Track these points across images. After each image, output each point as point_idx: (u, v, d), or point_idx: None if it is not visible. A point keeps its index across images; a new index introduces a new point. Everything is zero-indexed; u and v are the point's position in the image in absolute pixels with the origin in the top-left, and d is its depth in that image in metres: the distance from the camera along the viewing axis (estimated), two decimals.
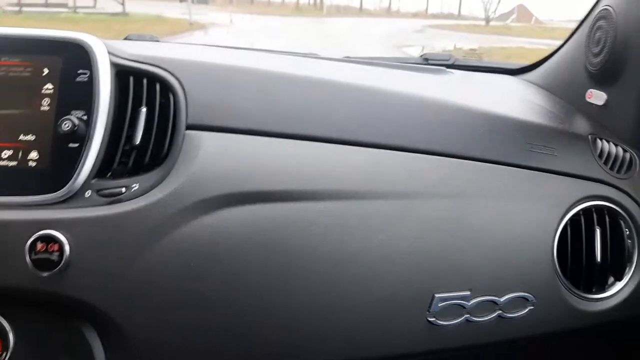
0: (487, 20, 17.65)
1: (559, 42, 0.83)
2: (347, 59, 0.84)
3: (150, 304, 0.50)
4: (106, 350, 0.52)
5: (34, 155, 0.50)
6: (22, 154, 0.50)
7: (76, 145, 0.50)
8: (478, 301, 0.56)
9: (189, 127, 0.54)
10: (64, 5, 10.60)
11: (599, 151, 0.64)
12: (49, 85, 0.51)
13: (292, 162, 0.54)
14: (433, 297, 0.54)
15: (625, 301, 0.61)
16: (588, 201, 0.61)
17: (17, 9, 9.43)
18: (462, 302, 0.55)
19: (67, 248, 0.47)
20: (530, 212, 0.59)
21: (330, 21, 16.73)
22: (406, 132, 0.59)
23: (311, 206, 0.53)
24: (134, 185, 0.51)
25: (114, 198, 0.50)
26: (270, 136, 0.55)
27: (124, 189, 0.50)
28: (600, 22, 0.70)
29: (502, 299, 0.56)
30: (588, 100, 0.71)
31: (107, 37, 0.59)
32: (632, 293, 0.61)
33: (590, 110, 0.71)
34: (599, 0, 0.73)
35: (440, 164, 0.58)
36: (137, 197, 0.50)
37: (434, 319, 0.55)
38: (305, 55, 0.83)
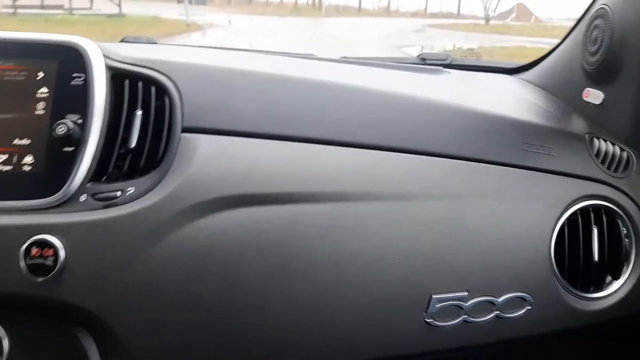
0: (487, 19, 17.66)
1: (559, 41, 0.84)
2: (344, 60, 0.84)
3: (146, 308, 0.50)
4: (102, 355, 0.51)
5: (28, 159, 0.50)
6: (16, 158, 0.50)
7: (71, 149, 0.50)
8: (475, 302, 0.56)
9: (185, 129, 0.54)
10: (60, 7, 10.57)
11: (596, 150, 0.65)
12: (44, 89, 0.51)
13: (289, 164, 0.54)
14: (430, 298, 0.55)
15: (623, 300, 0.61)
16: (585, 200, 0.61)
17: (11, 10, 9.42)
18: (459, 302, 0.56)
19: (62, 253, 0.47)
20: (527, 212, 0.59)
21: (328, 21, 16.74)
22: (403, 133, 0.59)
23: (308, 208, 0.53)
24: (129, 189, 0.51)
25: (110, 202, 0.50)
26: (266, 138, 0.55)
27: (119, 193, 0.50)
28: (597, 21, 0.70)
29: (499, 299, 0.57)
30: (585, 99, 0.72)
31: (101, 40, 0.59)
32: (630, 292, 0.61)
33: (587, 110, 0.71)
34: (596, 0, 0.73)
35: (437, 164, 0.58)
36: (132, 201, 0.50)
37: (431, 319, 0.55)
38: (302, 56, 0.83)
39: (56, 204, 0.49)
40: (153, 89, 0.55)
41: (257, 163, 0.53)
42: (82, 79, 0.52)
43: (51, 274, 0.47)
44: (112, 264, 0.49)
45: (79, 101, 0.51)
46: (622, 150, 0.66)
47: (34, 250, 0.47)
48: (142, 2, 12.40)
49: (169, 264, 0.49)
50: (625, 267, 0.62)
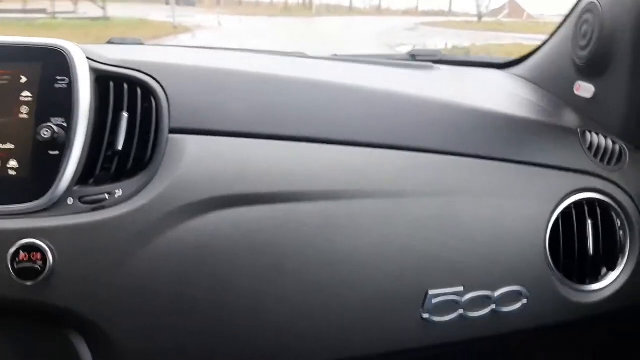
0: (480, 16, 17.74)
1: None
2: (335, 57, 0.84)
3: (137, 310, 0.50)
4: (95, 358, 0.51)
5: (13, 163, 0.50)
6: (1, 162, 0.50)
7: (56, 152, 0.50)
8: (472, 297, 0.57)
9: (172, 130, 0.54)
10: (43, 11, 10.47)
11: (588, 144, 0.65)
12: (27, 93, 0.51)
13: (279, 164, 0.54)
14: (426, 293, 0.55)
15: (619, 292, 0.62)
16: (579, 194, 0.62)
17: None
18: (455, 298, 0.56)
19: (50, 256, 0.48)
20: (521, 206, 0.59)
21: (320, 21, 16.74)
22: (395, 130, 0.59)
23: (300, 207, 0.53)
24: (117, 192, 0.51)
25: (97, 205, 0.50)
26: (255, 138, 0.55)
27: (107, 196, 0.51)
28: (587, 16, 0.71)
29: (495, 294, 0.57)
30: (576, 93, 0.72)
31: (84, 44, 0.59)
32: (625, 284, 0.62)
33: (578, 103, 0.72)
34: None
35: (429, 161, 0.58)
36: (120, 203, 0.50)
37: (428, 315, 0.56)
38: (291, 54, 0.83)
39: (43, 207, 0.49)
40: (139, 91, 0.55)
41: (247, 163, 0.53)
42: (65, 82, 0.52)
43: (40, 278, 0.47)
44: (102, 266, 0.49)
45: (64, 104, 0.51)
46: (614, 143, 0.67)
47: (22, 255, 0.47)
48: (129, 5, 12.31)
49: (159, 266, 0.49)
50: (620, 259, 0.63)
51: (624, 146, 0.67)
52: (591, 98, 0.70)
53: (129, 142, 0.53)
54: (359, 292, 0.54)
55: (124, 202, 0.50)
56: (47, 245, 0.48)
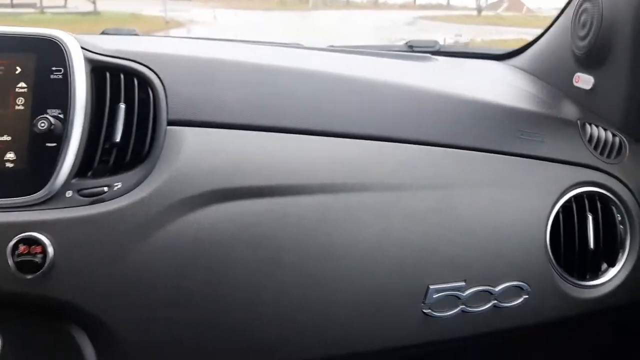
0: (479, 10, 17.47)
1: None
2: (332, 48, 0.83)
3: (137, 303, 0.50)
4: (97, 350, 0.51)
5: (10, 156, 0.50)
6: None
7: (54, 144, 0.50)
8: (473, 291, 0.56)
9: (171, 122, 0.53)
10: (32, 6, 10.17)
11: (588, 136, 0.65)
12: (22, 84, 0.51)
13: (278, 156, 0.54)
14: (427, 288, 0.55)
15: (619, 287, 0.61)
16: (579, 187, 0.61)
17: None
18: (457, 292, 0.56)
19: (50, 250, 0.47)
20: (521, 200, 0.59)
21: (316, 14, 16.45)
22: (393, 122, 0.59)
23: (298, 200, 0.53)
24: (116, 184, 0.51)
25: (96, 198, 0.50)
26: (254, 130, 0.55)
27: (106, 188, 0.50)
28: (586, 5, 0.70)
29: (496, 289, 0.57)
30: (575, 84, 0.71)
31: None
32: (626, 279, 0.61)
33: (578, 95, 0.71)
34: None
35: (428, 153, 0.58)
36: (120, 196, 0.50)
37: (429, 310, 0.55)
38: (288, 45, 0.82)
39: (41, 200, 0.49)
40: (135, 82, 0.54)
41: (246, 155, 0.53)
42: (61, 72, 0.51)
43: (40, 271, 0.47)
44: (102, 259, 0.48)
45: (60, 95, 0.50)
46: (614, 135, 0.66)
47: (22, 248, 0.47)
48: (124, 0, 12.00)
49: (158, 259, 0.49)
50: (620, 254, 0.62)
51: (624, 139, 0.66)
52: (590, 90, 0.68)
53: (127, 134, 0.52)
54: (358, 286, 0.53)
55: (123, 195, 0.50)
56: (46, 238, 0.47)
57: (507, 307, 0.58)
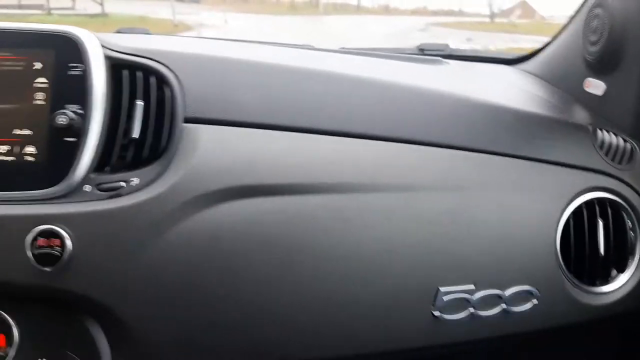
0: (492, 16, 17.17)
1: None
2: (343, 50, 0.83)
3: (152, 298, 0.50)
4: (111, 344, 0.52)
5: (31, 149, 0.50)
6: (19, 148, 0.50)
7: (73, 139, 0.50)
8: (483, 295, 0.56)
9: (187, 120, 0.54)
10: (40, 7, 10.08)
11: (599, 142, 0.65)
12: (43, 79, 0.51)
13: (292, 155, 0.54)
14: (437, 290, 0.55)
15: (629, 294, 0.61)
16: (590, 193, 0.61)
17: None
18: (466, 295, 0.55)
19: (69, 242, 0.48)
20: (532, 204, 0.59)
21: (327, 20, 16.24)
22: (406, 124, 0.59)
23: (312, 199, 0.53)
24: (133, 180, 0.51)
25: (114, 192, 0.50)
26: (268, 128, 0.55)
27: (123, 184, 0.51)
28: (597, 10, 0.70)
29: (506, 293, 0.56)
30: (586, 89, 0.71)
31: None
32: (636, 286, 0.61)
33: (589, 100, 0.71)
34: None
35: (441, 155, 0.58)
36: (137, 192, 0.50)
37: (439, 313, 0.55)
38: (301, 46, 0.82)
39: (61, 194, 0.50)
40: (153, 79, 0.55)
41: (260, 154, 0.53)
42: (80, 69, 0.52)
43: (59, 264, 0.47)
44: (119, 253, 0.49)
45: (78, 91, 0.51)
46: (625, 141, 0.66)
47: (41, 240, 0.47)
48: (134, 1, 11.85)
49: (173, 255, 0.50)
50: (630, 261, 0.62)
51: (635, 145, 0.66)
52: (602, 95, 0.68)
53: (144, 131, 0.53)
54: (369, 287, 0.53)
55: (141, 190, 0.50)
56: (65, 231, 0.48)
57: (516, 311, 0.58)
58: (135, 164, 0.52)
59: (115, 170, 0.52)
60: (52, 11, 9.81)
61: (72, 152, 0.50)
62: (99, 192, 0.50)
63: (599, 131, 0.66)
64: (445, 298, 0.54)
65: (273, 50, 0.75)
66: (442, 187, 0.56)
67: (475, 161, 0.58)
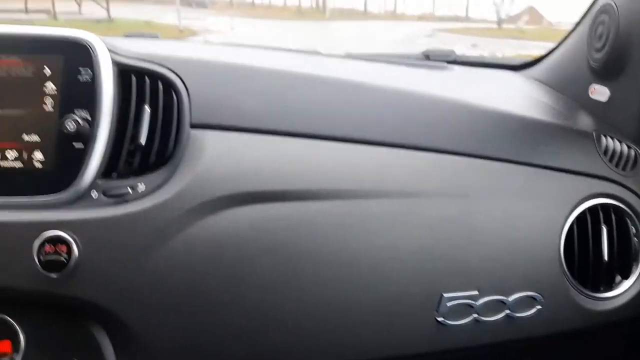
0: (500, 22, 17.00)
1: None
2: (349, 56, 0.84)
3: (158, 304, 0.50)
4: (116, 350, 0.52)
5: (38, 155, 0.50)
6: (26, 154, 0.51)
7: (81, 145, 0.51)
8: (486, 301, 0.56)
9: (193, 126, 0.54)
10: (46, 12, 10.08)
11: (603, 148, 0.65)
12: (51, 85, 0.52)
13: (297, 161, 0.54)
14: (441, 296, 0.55)
15: (633, 300, 0.61)
16: (594, 199, 0.61)
17: None
18: (470, 301, 0.55)
19: (75, 249, 0.48)
20: (537, 210, 0.59)
21: (334, 25, 16.15)
22: (410, 130, 0.59)
23: (317, 205, 0.53)
24: (139, 185, 0.51)
25: (120, 199, 0.51)
26: (274, 135, 0.55)
27: (130, 190, 0.51)
28: (602, 17, 0.70)
29: (510, 299, 0.57)
30: (591, 96, 0.71)
31: None
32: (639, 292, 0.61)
33: (593, 107, 0.72)
34: None
35: (445, 162, 0.58)
36: (143, 198, 0.51)
37: (442, 318, 0.55)
38: (307, 52, 0.82)
39: (68, 200, 0.50)
40: (160, 85, 0.55)
41: (266, 160, 0.53)
42: (89, 74, 0.52)
43: (65, 270, 0.47)
44: (125, 260, 0.49)
45: (87, 97, 0.51)
46: (629, 148, 0.66)
47: (48, 247, 0.47)
48: (139, 6, 11.83)
49: (179, 261, 0.50)
50: (634, 267, 0.62)
51: (639, 151, 0.66)
52: (606, 101, 0.68)
53: (151, 137, 0.53)
54: (373, 293, 0.53)
55: (147, 197, 0.50)
56: (72, 237, 0.48)
57: (520, 317, 0.57)
58: (142, 169, 0.52)
59: (122, 176, 0.52)
60: (58, 16, 9.81)
61: (80, 158, 0.50)
62: (105, 198, 0.50)
63: (603, 137, 0.66)
64: (449, 304, 0.55)
65: (279, 56, 0.75)
66: (445, 193, 0.56)
67: (479, 168, 0.58)
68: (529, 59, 0.93)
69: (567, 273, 0.59)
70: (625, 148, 0.66)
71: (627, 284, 0.61)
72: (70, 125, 0.48)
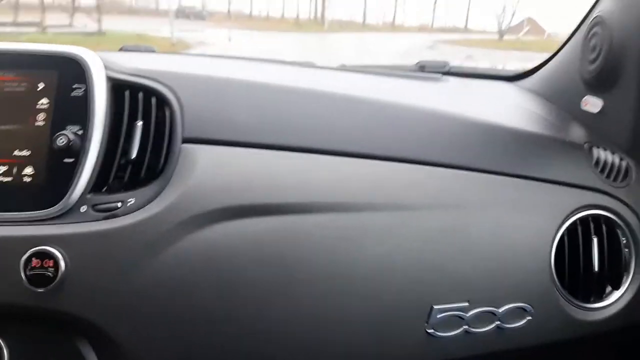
0: (501, 34, 16.83)
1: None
2: (343, 68, 0.86)
3: (146, 319, 0.51)
4: None
5: (29, 170, 0.51)
6: (17, 169, 0.51)
7: (71, 160, 0.52)
8: (476, 312, 0.57)
9: (185, 140, 0.55)
10: (36, 24, 9.86)
11: (595, 159, 0.66)
12: (44, 100, 0.52)
13: (289, 175, 0.55)
14: (432, 308, 0.56)
15: (623, 310, 0.62)
16: (585, 210, 0.62)
17: None
18: (460, 313, 0.56)
19: (62, 264, 0.49)
20: (527, 222, 0.60)
21: (332, 37, 15.94)
22: (403, 143, 0.60)
23: (308, 219, 0.54)
24: (129, 200, 0.52)
25: (110, 213, 0.51)
26: (266, 148, 0.56)
27: (119, 204, 0.51)
28: (596, 29, 0.72)
29: (500, 310, 0.57)
30: (584, 107, 0.73)
31: None
32: (630, 302, 0.62)
33: (586, 118, 0.73)
34: (594, 7, 0.75)
35: (437, 174, 0.59)
36: (133, 212, 0.51)
37: (432, 330, 0.56)
38: (301, 64, 0.84)
39: (57, 215, 0.50)
40: (154, 100, 0.56)
41: (257, 174, 0.54)
42: (82, 89, 0.53)
43: (52, 285, 0.48)
44: (113, 274, 0.50)
45: (80, 112, 0.52)
46: (621, 159, 0.67)
47: (35, 261, 0.48)
48: (136, 18, 11.60)
49: (169, 275, 0.50)
50: (625, 277, 0.63)
51: (631, 163, 0.67)
52: (598, 113, 0.70)
53: (142, 151, 0.54)
54: (364, 305, 0.54)
55: (136, 211, 0.51)
56: (59, 252, 0.48)
57: (510, 328, 0.58)
58: (133, 184, 0.53)
59: (112, 190, 0.53)
60: (48, 29, 9.55)
61: (70, 173, 0.51)
62: (95, 212, 0.51)
63: (594, 149, 0.67)
64: (439, 315, 0.55)
65: (273, 68, 0.76)
66: (437, 205, 0.57)
67: (471, 180, 0.59)
68: (523, 70, 0.94)
69: (558, 284, 0.59)
70: (617, 159, 0.67)
71: (617, 294, 0.62)
72: (62, 141, 0.49)
